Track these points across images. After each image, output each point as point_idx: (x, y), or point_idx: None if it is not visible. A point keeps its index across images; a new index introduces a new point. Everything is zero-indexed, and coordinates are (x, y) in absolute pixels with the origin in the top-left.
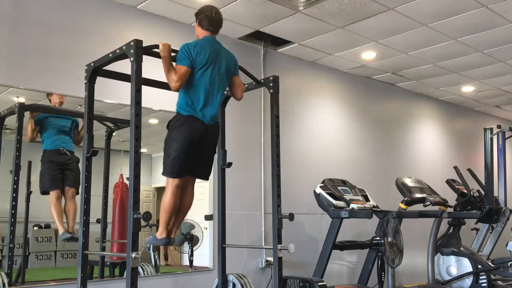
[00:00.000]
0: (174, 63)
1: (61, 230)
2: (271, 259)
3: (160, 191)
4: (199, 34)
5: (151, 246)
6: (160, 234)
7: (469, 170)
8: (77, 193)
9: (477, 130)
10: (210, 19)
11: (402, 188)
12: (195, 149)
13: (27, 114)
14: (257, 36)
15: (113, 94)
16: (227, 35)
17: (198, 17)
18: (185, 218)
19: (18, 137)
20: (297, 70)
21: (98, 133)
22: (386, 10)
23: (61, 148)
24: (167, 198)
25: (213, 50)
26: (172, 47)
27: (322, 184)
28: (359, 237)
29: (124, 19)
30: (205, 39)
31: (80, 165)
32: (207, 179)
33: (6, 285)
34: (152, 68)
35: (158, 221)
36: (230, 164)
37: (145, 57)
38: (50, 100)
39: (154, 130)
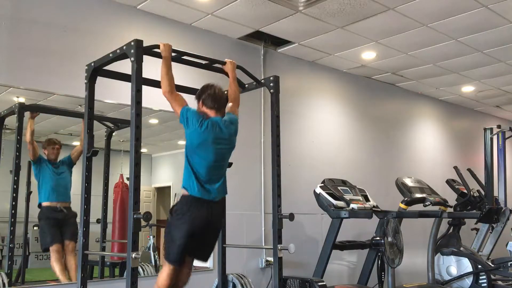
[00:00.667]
0: (173, 63)
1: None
2: (271, 259)
3: (160, 191)
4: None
5: (151, 246)
6: None
7: (469, 170)
8: (76, 248)
9: (477, 130)
10: (213, 97)
11: (402, 188)
12: (198, 238)
13: (27, 114)
14: (257, 36)
15: (113, 94)
16: (227, 35)
17: (201, 98)
18: None
19: (18, 137)
20: (297, 70)
21: (98, 133)
22: (386, 10)
23: (58, 206)
24: (162, 278)
25: (217, 133)
26: (172, 47)
27: (322, 184)
28: (359, 237)
29: (124, 19)
30: (213, 120)
31: (77, 219)
32: (206, 261)
33: (6, 285)
34: (153, 68)
35: (158, 221)
36: (230, 164)
37: (145, 57)
38: (45, 153)
39: (154, 130)
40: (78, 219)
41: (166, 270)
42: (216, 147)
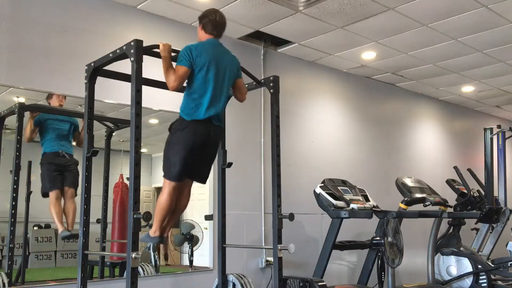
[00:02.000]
0: (174, 63)
1: (60, 229)
2: (271, 259)
3: (160, 191)
4: (202, 37)
5: (151, 246)
6: (154, 232)
7: (469, 170)
8: (76, 194)
9: (477, 130)
10: (214, 23)
11: (402, 188)
12: (196, 154)
13: (27, 114)
14: (257, 36)
15: (113, 94)
16: (227, 35)
17: (202, 21)
18: (185, 218)
19: (18, 137)
20: (297, 70)
21: (98, 133)
22: (386, 10)
23: (60, 151)
24: (163, 198)
25: (216, 52)
26: (172, 47)
27: (322, 184)
28: (359, 237)
29: (124, 19)
30: (208, 41)
31: (80, 167)
32: (204, 183)
33: (6, 285)
34: (152, 68)
35: None
36: (230, 164)
37: (145, 57)
38: (49, 103)
39: (154, 130)
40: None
41: (166, 189)
42: (214, 69)
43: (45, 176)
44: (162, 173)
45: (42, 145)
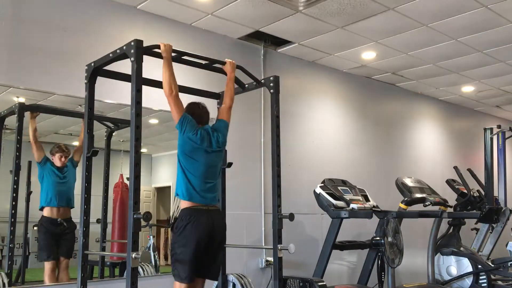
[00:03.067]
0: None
1: None
2: (271, 259)
3: (160, 191)
4: None
5: (151, 246)
6: None
7: (469, 170)
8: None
9: (477, 130)
10: (199, 116)
11: (402, 188)
12: (203, 250)
13: (27, 114)
14: (257, 36)
15: (113, 94)
16: (227, 35)
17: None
18: None
19: (18, 137)
20: (297, 70)
21: (98, 133)
22: (386, 10)
23: (58, 219)
24: None
25: (206, 135)
26: (172, 47)
27: (322, 184)
28: (359, 237)
29: (124, 19)
30: (204, 129)
31: (77, 232)
32: (216, 279)
33: (6, 285)
34: (153, 68)
35: (158, 221)
36: (230, 164)
37: (145, 57)
38: (52, 160)
39: (154, 130)
40: (77, 231)
41: None
42: (208, 154)
43: (41, 242)
44: (174, 277)
45: (41, 196)
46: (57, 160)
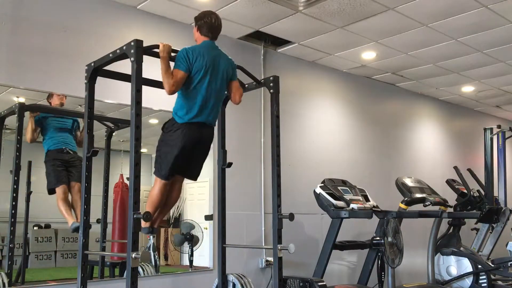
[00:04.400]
0: (172, 63)
1: (70, 221)
2: (271, 259)
3: None
4: (197, 39)
5: (151, 246)
6: (144, 224)
7: (469, 170)
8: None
9: (477, 130)
10: (210, 25)
11: (402, 188)
12: (187, 154)
13: (27, 114)
14: (257, 36)
15: (113, 94)
16: (227, 35)
17: (198, 23)
18: (185, 218)
19: (18, 137)
20: (297, 70)
21: (98, 133)
22: (386, 10)
23: (63, 148)
24: (155, 193)
25: (211, 56)
26: (172, 48)
27: (322, 184)
28: (359, 237)
29: (124, 19)
30: (204, 44)
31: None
32: (195, 179)
33: (6, 285)
34: (152, 68)
35: None
36: (230, 164)
37: (145, 57)
38: (50, 103)
39: (154, 130)
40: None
41: (157, 185)
42: (210, 73)
43: (50, 172)
44: (153, 169)
45: (44, 143)
46: (56, 99)
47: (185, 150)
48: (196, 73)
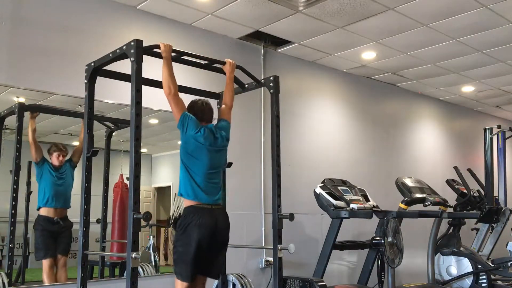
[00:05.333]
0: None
1: None
2: (271, 259)
3: (160, 191)
4: None
5: (151, 246)
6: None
7: (469, 170)
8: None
9: (477, 130)
10: (202, 112)
11: (402, 188)
12: (206, 248)
13: (27, 114)
14: (257, 36)
15: (113, 94)
16: (227, 35)
17: (191, 112)
18: None
19: (18, 137)
20: (297, 70)
21: (98, 133)
22: (386, 10)
23: (54, 218)
24: None
25: (210, 133)
26: (172, 47)
27: (322, 184)
28: (359, 237)
29: (124, 19)
30: (208, 127)
31: (74, 232)
32: (217, 278)
33: (6, 285)
34: (152, 68)
35: (158, 221)
36: (230, 164)
37: (145, 57)
38: (50, 159)
39: (154, 130)
40: (76, 227)
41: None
42: (211, 153)
43: (38, 242)
44: (176, 275)
45: (38, 196)
46: (54, 159)
47: (202, 245)
48: (199, 148)
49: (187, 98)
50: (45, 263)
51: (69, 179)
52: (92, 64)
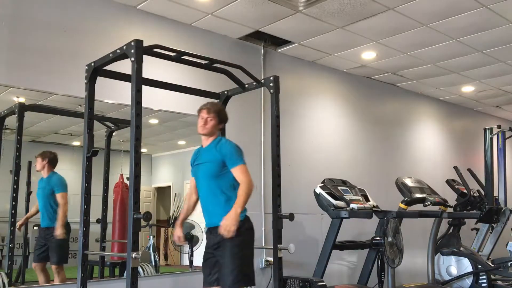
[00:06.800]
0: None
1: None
2: (271, 259)
3: (160, 191)
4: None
5: (151, 246)
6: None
7: (469, 170)
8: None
9: (477, 130)
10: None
11: (402, 188)
12: None
13: (27, 114)
14: (257, 36)
15: (113, 94)
16: (227, 35)
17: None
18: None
19: (18, 137)
20: (297, 70)
21: (98, 133)
22: (386, 10)
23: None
24: None
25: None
26: (172, 47)
27: (322, 184)
28: (359, 237)
29: (124, 19)
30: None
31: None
32: None
33: (6, 285)
34: (152, 68)
35: (158, 221)
36: None
37: (145, 57)
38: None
39: (154, 130)
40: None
41: None
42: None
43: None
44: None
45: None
46: (37, 164)
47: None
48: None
49: (187, 98)
50: (37, 267)
51: (45, 196)
52: (92, 64)
